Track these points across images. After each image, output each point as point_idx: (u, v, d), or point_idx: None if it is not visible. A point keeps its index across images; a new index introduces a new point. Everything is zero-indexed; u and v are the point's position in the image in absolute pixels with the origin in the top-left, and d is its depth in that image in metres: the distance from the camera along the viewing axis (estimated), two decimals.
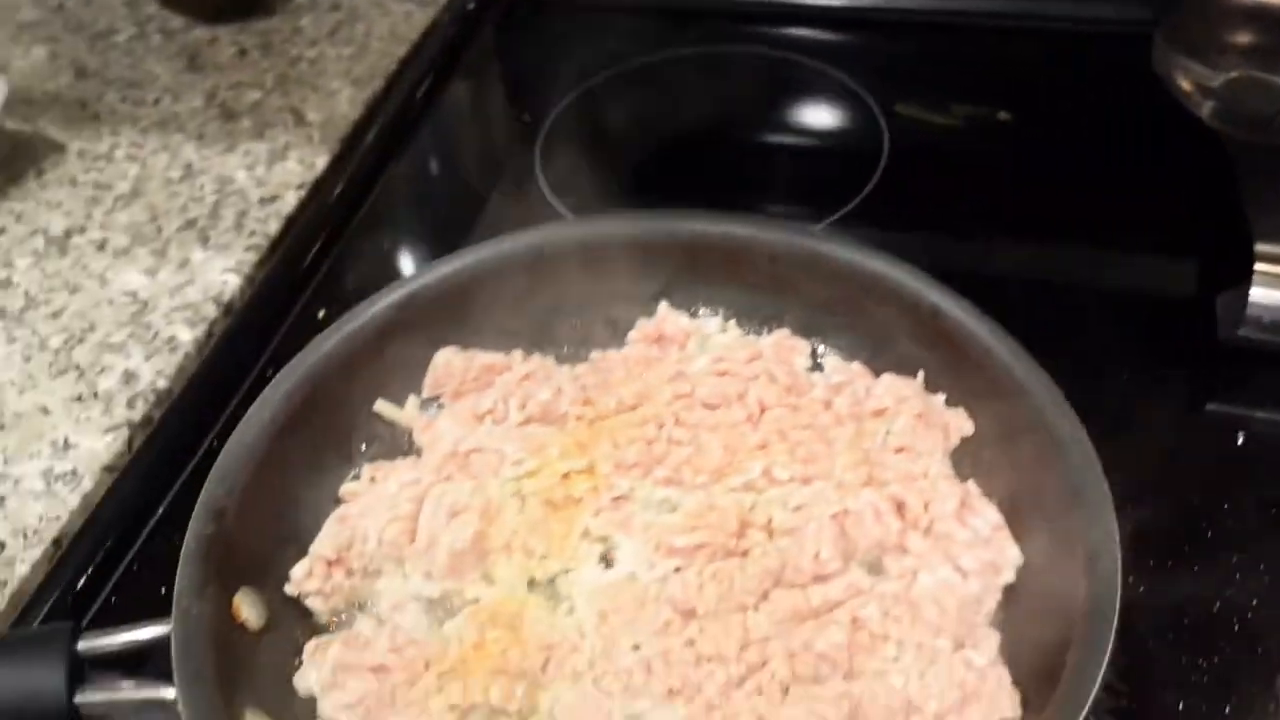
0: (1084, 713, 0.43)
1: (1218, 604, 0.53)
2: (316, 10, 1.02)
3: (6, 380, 0.71)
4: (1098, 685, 0.43)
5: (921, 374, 0.60)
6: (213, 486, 0.53)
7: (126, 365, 0.71)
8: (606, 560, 0.56)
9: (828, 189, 0.79)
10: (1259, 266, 0.62)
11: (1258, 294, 0.61)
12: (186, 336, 0.72)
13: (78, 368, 0.71)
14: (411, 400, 0.64)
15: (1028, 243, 0.76)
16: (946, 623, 0.50)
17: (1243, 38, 0.82)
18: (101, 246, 0.80)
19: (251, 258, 0.77)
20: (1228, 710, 0.50)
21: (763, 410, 0.60)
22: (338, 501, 0.59)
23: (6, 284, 0.77)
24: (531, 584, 0.55)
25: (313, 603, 0.55)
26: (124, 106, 0.93)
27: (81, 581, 0.62)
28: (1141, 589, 0.52)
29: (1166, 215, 0.75)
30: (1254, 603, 0.53)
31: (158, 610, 0.50)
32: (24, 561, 0.62)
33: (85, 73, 0.97)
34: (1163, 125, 0.77)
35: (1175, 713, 0.50)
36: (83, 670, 0.49)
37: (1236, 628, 0.53)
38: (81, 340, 0.73)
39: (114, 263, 0.78)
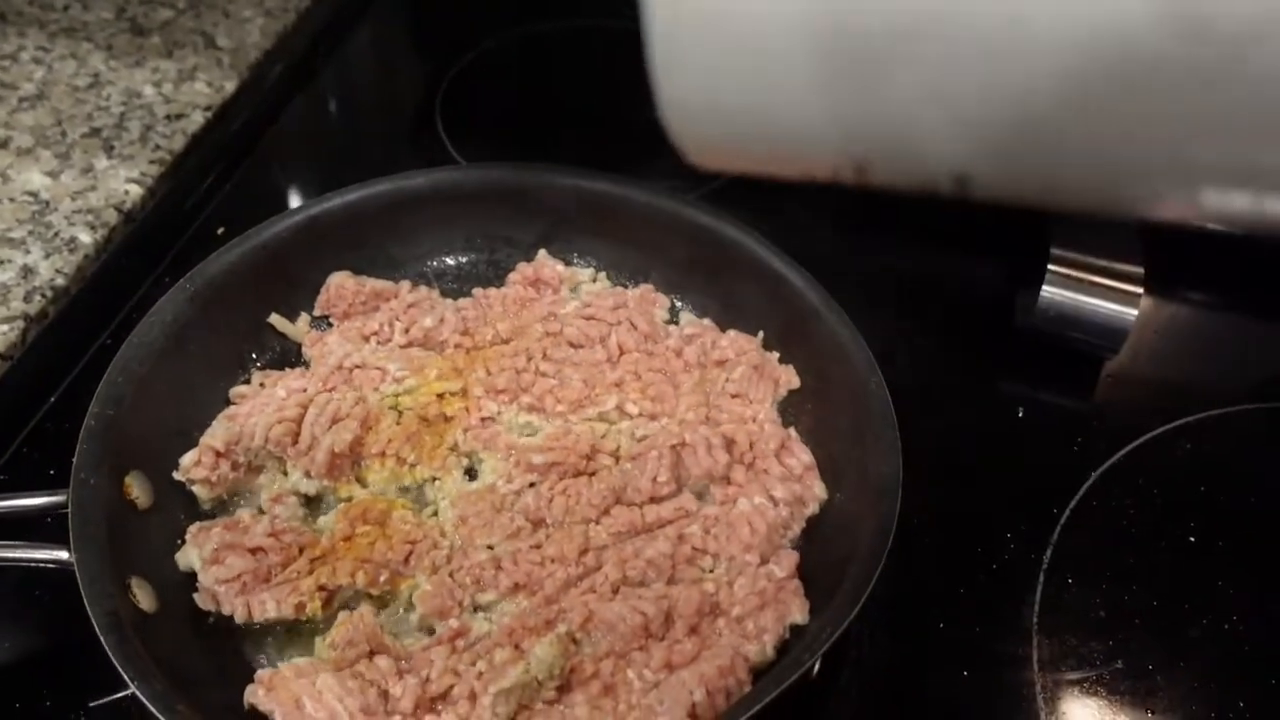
0: (855, 610, 0.52)
1: (979, 547, 0.64)
2: None
3: None
4: (868, 591, 0.52)
5: (761, 333, 0.68)
6: (114, 374, 0.58)
7: (25, 261, 0.74)
8: (470, 473, 0.63)
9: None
10: (1052, 267, 0.72)
11: (1049, 291, 0.72)
12: (86, 239, 0.75)
13: None
14: (303, 317, 0.69)
15: (865, 231, 0.85)
16: (756, 541, 0.58)
17: None
18: (3, 144, 0.82)
19: (155, 170, 0.81)
20: (977, 630, 0.60)
21: (621, 353, 0.68)
22: (228, 402, 0.65)
23: None
24: (401, 489, 0.62)
25: (198, 490, 0.60)
26: (31, 10, 0.94)
27: None
28: (915, 521, 0.62)
29: (985, 218, 0.85)
30: (1011, 546, 0.64)
31: (45, 487, 0.55)
32: None
33: None
34: None
35: (937, 631, 0.60)
36: None
37: (994, 567, 0.63)
38: None
39: (16, 161, 0.80)
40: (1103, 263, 0.72)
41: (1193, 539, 0.65)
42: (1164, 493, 0.67)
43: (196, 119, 0.85)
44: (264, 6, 0.96)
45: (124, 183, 0.79)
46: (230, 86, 0.88)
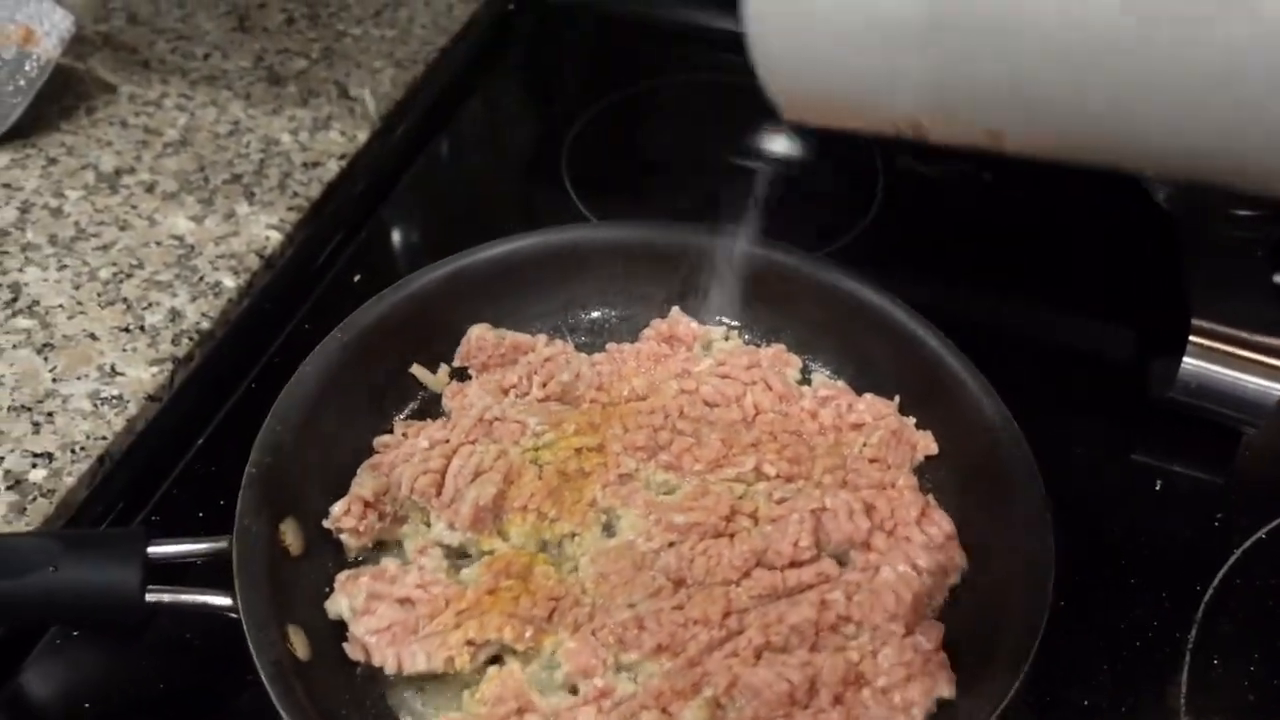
0: (1006, 701, 0.51)
1: (1121, 623, 0.62)
2: None
3: (56, 304, 0.76)
4: (1021, 678, 0.52)
5: (898, 397, 0.68)
6: (273, 421, 0.60)
7: (173, 304, 0.76)
8: (609, 529, 0.64)
9: (829, 222, 0.88)
10: (1194, 339, 0.71)
11: (1189, 363, 0.71)
12: (230, 283, 0.78)
13: (125, 301, 0.76)
14: (443, 368, 0.71)
15: (996, 293, 0.85)
16: (901, 610, 0.58)
17: None
18: (150, 189, 0.85)
19: (294, 217, 0.83)
20: (1123, 710, 0.59)
21: (757, 413, 0.68)
22: (371, 451, 0.66)
23: (58, 213, 0.82)
24: (541, 543, 0.63)
25: (346, 539, 0.61)
26: (174, 58, 0.98)
27: (124, 499, 0.68)
28: (1061, 602, 0.61)
29: (1119, 281, 0.84)
30: (1154, 622, 0.63)
31: (192, 531, 0.57)
32: (70, 474, 0.67)
33: (137, 19, 1.01)
34: (1126, 200, 0.86)
35: (1080, 708, 0.59)
36: (150, 572, 0.55)
37: (1138, 644, 0.62)
38: (130, 275, 0.78)
39: (162, 205, 0.83)
40: (1245, 335, 0.71)
41: None
42: None
43: (332, 167, 0.88)
44: (394, 58, 0.99)
45: (264, 228, 0.82)
46: (363, 136, 0.91)
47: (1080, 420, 0.75)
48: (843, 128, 0.39)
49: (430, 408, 0.70)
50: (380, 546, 0.63)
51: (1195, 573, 0.65)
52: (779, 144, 0.97)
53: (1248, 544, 0.67)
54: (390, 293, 0.67)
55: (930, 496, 0.64)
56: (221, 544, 0.56)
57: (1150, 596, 0.64)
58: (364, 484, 0.62)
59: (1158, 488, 0.70)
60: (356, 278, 0.80)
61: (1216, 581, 0.65)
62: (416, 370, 0.69)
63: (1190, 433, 0.72)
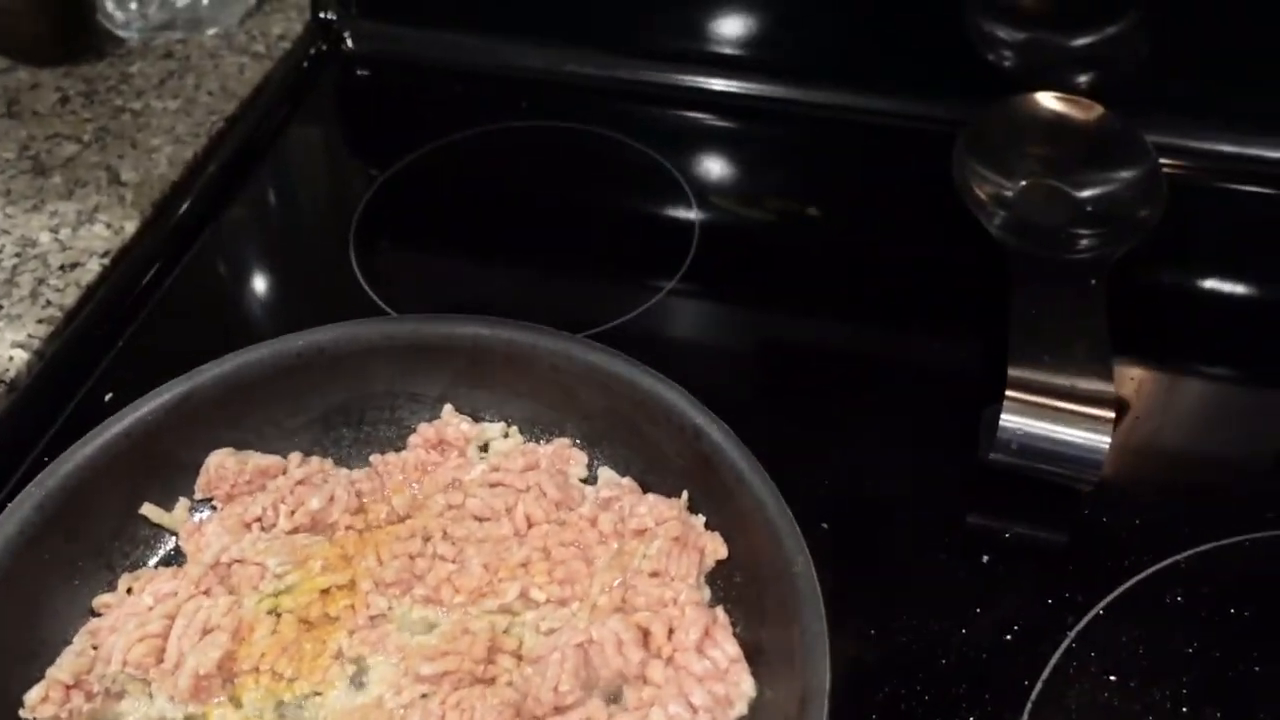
0: None
1: None
2: (148, 57, 1.00)
3: None
4: None
5: (685, 495, 0.61)
6: None
7: None
8: (358, 681, 0.56)
9: (636, 275, 0.81)
10: (1010, 392, 0.65)
11: (1008, 420, 0.64)
12: None
13: None
14: (181, 502, 0.63)
15: (822, 341, 0.78)
16: None
17: (1042, 147, 0.86)
18: None
19: (43, 331, 0.75)
20: None
21: (530, 525, 0.61)
22: (93, 612, 0.58)
23: None
24: (279, 706, 0.56)
25: None
26: None
27: None
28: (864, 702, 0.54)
29: (954, 328, 0.78)
30: None
31: None
32: None
33: None
34: (964, 231, 0.79)
35: None
36: None
37: None
38: None
39: None
40: (1067, 383, 0.65)
41: (1185, 708, 0.57)
42: (1149, 651, 0.59)
43: (92, 268, 0.79)
44: (174, 133, 0.91)
45: (9, 348, 0.74)
46: (130, 227, 0.83)
47: (910, 484, 0.68)
48: None
49: (172, 553, 0.62)
50: None
51: (1024, 664, 0.59)
52: (592, 193, 0.90)
53: (1083, 623, 0.60)
54: (98, 431, 0.59)
55: (720, 610, 0.57)
56: None
57: (971, 698, 0.57)
58: (62, 665, 0.54)
59: (985, 561, 0.64)
60: (109, 397, 0.72)
61: (1047, 672, 0.58)
62: (148, 510, 0.62)
63: (1025, 494, 0.66)
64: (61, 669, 0.54)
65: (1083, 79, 0.89)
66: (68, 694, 0.54)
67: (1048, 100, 0.87)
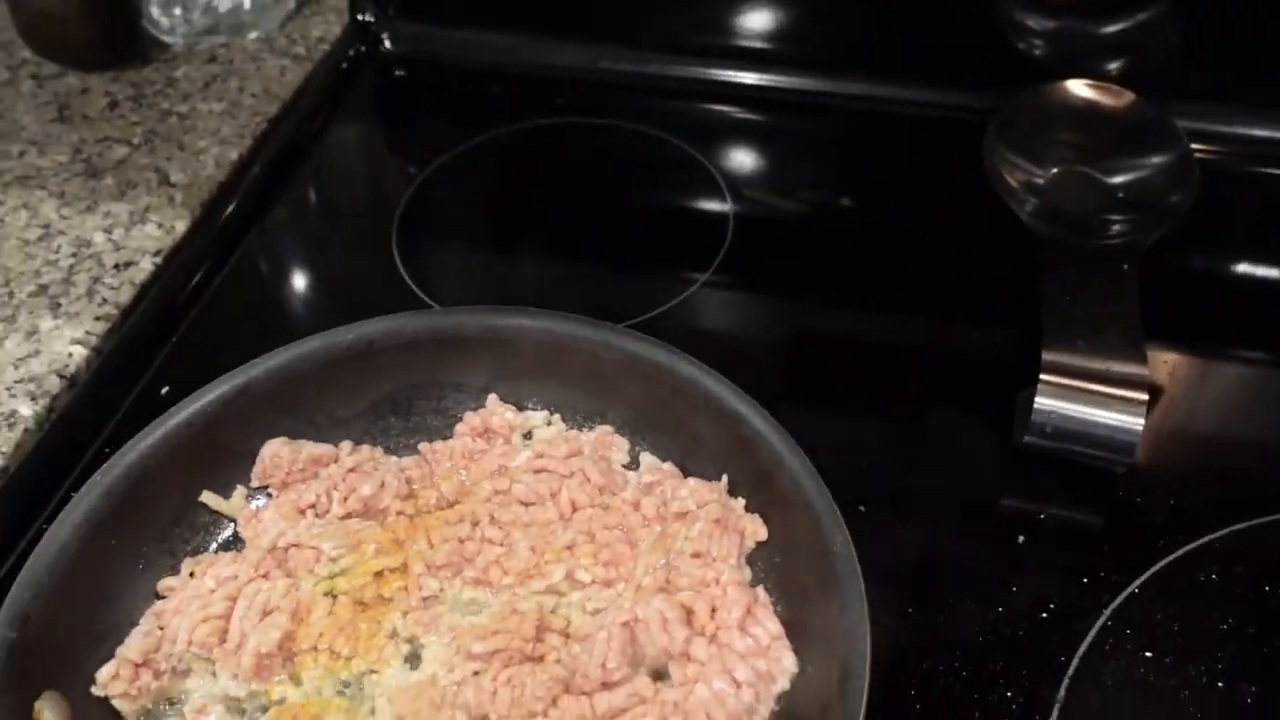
0: None
1: (976, 713, 0.57)
2: (193, 61, 1.03)
3: None
4: None
5: (725, 478, 0.63)
6: (18, 591, 0.54)
7: None
8: (413, 660, 0.58)
9: (672, 268, 0.82)
10: (1044, 375, 0.66)
11: (1042, 403, 0.65)
12: (27, 411, 0.73)
13: None
14: (239, 490, 0.65)
15: (859, 328, 0.79)
16: None
17: (1073, 134, 0.86)
18: None
19: (101, 328, 0.78)
20: None
21: (574, 509, 0.63)
22: (158, 595, 0.61)
23: None
24: (341, 683, 0.58)
25: (119, 704, 0.56)
26: None
27: None
28: (899, 676, 0.55)
29: (988, 315, 0.79)
30: (1010, 703, 0.57)
31: None
32: None
33: None
34: (996, 219, 0.80)
35: None
36: None
37: None
38: None
39: None
40: (1100, 366, 0.66)
41: (1221, 683, 0.58)
42: (1185, 628, 0.60)
43: (145, 266, 0.82)
44: (220, 135, 0.94)
45: (68, 344, 0.76)
46: (181, 227, 0.85)
47: (945, 468, 0.69)
48: None
49: (231, 539, 0.64)
50: (165, 705, 0.58)
51: (1060, 642, 0.60)
52: (627, 187, 0.92)
53: (1118, 601, 0.61)
54: (161, 420, 0.62)
55: (760, 589, 0.59)
56: None
57: (1008, 674, 0.58)
58: (131, 644, 0.57)
59: (1020, 541, 0.65)
60: (165, 390, 0.74)
61: (1084, 649, 0.60)
62: (207, 498, 0.64)
63: (1060, 476, 0.67)
64: (130, 648, 0.56)
65: (1113, 66, 0.89)
66: (136, 672, 0.56)
67: (1078, 87, 0.87)
